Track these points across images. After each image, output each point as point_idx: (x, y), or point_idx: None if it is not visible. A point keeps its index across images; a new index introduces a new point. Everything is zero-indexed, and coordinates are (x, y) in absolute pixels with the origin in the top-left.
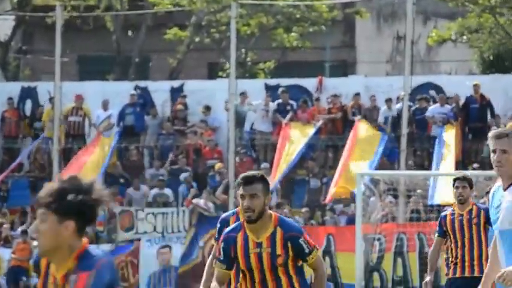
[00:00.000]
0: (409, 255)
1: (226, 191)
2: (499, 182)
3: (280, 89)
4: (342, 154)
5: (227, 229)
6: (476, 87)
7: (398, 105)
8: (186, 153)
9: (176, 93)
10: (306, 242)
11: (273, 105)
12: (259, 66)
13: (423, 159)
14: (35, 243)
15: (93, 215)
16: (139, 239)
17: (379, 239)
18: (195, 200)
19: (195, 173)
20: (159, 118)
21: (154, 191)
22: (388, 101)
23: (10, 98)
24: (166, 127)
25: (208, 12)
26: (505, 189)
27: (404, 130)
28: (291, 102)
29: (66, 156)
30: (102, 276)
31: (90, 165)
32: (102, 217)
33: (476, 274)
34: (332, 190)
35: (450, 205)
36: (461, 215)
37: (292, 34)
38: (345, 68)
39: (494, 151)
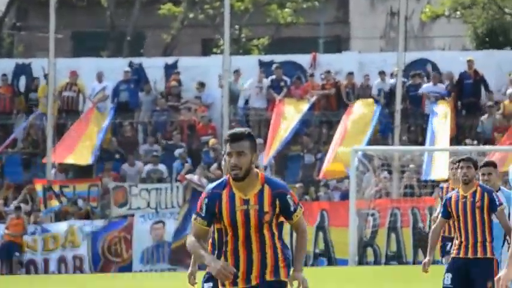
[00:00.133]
0: (402, 231)
1: (220, 166)
2: None
3: (274, 65)
4: (336, 130)
5: (211, 185)
6: (470, 62)
7: (392, 80)
8: (180, 129)
9: (170, 70)
10: (292, 199)
11: (266, 82)
12: (253, 43)
13: (417, 135)
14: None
15: None
16: (132, 215)
17: (373, 215)
18: (188, 176)
19: (189, 149)
20: (153, 94)
21: (148, 166)
22: (382, 73)
23: (4, 75)
24: (160, 103)
25: None
26: None
27: (398, 106)
28: (285, 78)
29: (60, 132)
30: None
31: (83, 141)
32: (95, 193)
33: (479, 256)
34: (326, 166)
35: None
36: (465, 197)
37: (286, 10)
38: (338, 44)
39: None
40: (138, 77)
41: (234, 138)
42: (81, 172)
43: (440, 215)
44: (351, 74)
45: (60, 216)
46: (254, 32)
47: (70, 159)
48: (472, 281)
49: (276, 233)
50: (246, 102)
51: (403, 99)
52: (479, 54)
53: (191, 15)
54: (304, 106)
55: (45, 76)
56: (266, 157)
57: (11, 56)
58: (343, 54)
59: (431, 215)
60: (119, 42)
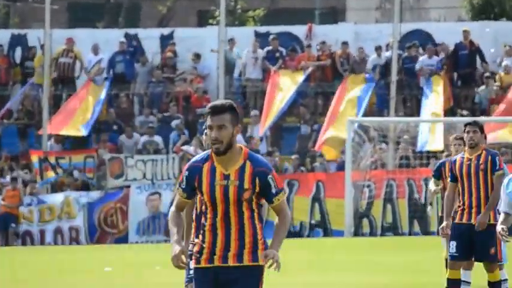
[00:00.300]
0: (398, 202)
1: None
2: None
3: (271, 36)
4: (331, 101)
5: (194, 158)
6: (465, 33)
7: (388, 53)
8: (176, 100)
9: (166, 41)
10: (273, 181)
11: (262, 52)
12: (249, 14)
13: (412, 106)
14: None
15: None
16: (128, 186)
17: (368, 186)
18: (184, 147)
19: (186, 121)
20: (149, 66)
21: (144, 138)
22: (378, 49)
23: (0, 46)
24: (156, 75)
25: None
26: None
27: (394, 77)
28: (280, 49)
29: (56, 103)
30: None
31: (79, 112)
32: (92, 164)
33: None
34: (322, 137)
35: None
36: (470, 160)
37: None
38: (334, 15)
39: None
40: (133, 49)
41: (215, 111)
42: (77, 143)
43: (449, 179)
44: (345, 43)
45: (56, 187)
46: (250, 4)
47: (66, 131)
48: (475, 247)
49: (256, 213)
50: (241, 74)
51: (399, 71)
52: (474, 25)
53: None
54: (300, 77)
55: (42, 47)
56: (262, 128)
57: (6, 27)
58: (339, 25)
59: (427, 186)
60: (115, 13)
